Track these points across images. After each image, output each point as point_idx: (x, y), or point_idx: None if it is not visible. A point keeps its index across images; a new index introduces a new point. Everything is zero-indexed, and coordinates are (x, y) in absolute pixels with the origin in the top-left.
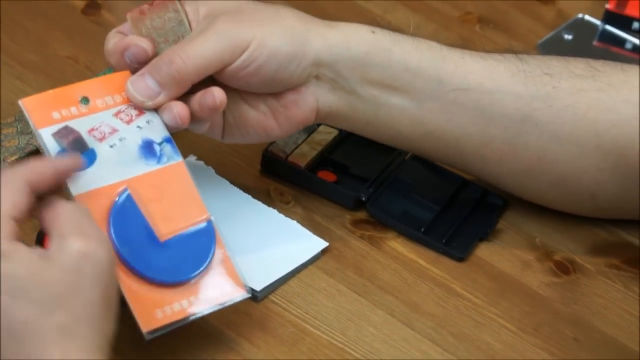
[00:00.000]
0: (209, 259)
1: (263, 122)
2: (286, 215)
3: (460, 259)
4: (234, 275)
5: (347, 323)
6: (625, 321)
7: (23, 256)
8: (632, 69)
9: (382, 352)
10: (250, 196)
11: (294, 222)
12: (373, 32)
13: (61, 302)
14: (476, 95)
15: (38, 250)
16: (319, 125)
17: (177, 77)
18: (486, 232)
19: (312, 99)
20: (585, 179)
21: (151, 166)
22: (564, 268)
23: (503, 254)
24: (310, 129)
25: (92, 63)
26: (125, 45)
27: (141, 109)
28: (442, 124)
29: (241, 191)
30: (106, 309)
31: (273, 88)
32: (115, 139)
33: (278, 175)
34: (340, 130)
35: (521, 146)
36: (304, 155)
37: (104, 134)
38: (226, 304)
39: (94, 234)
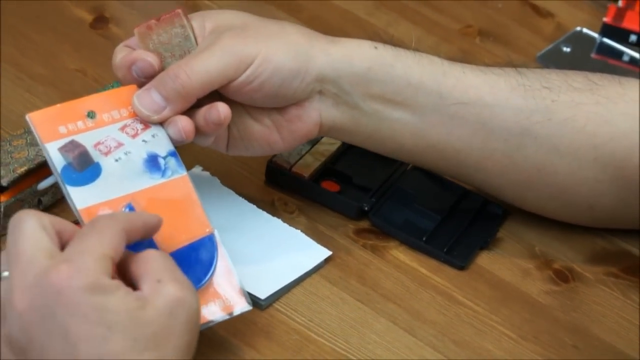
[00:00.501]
0: (210, 272)
1: (267, 135)
2: (290, 225)
3: (461, 268)
4: (236, 288)
5: (350, 331)
6: (624, 329)
7: (122, 293)
8: (629, 82)
9: (385, 359)
10: (255, 206)
11: (298, 231)
12: (375, 47)
13: (154, 343)
14: (476, 109)
15: (133, 290)
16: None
17: (182, 91)
18: (487, 241)
19: (316, 114)
20: (583, 191)
21: (155, 180)
22: (563, 276)
23: (503, 263)
24: (313, 140)
25: (100, 76)
26: (133, 60)
27: (147, 123)
28: (443, 137)
29: (246, 201)
30: (189, 355)
31: (277, 103)
32: (120, 152)
33: (282, 186)
34: (343, 142)
35: (521, 159)
36: (308, 165)
37: (110, 148)
38: (228, 317)
39: (185, 281)
